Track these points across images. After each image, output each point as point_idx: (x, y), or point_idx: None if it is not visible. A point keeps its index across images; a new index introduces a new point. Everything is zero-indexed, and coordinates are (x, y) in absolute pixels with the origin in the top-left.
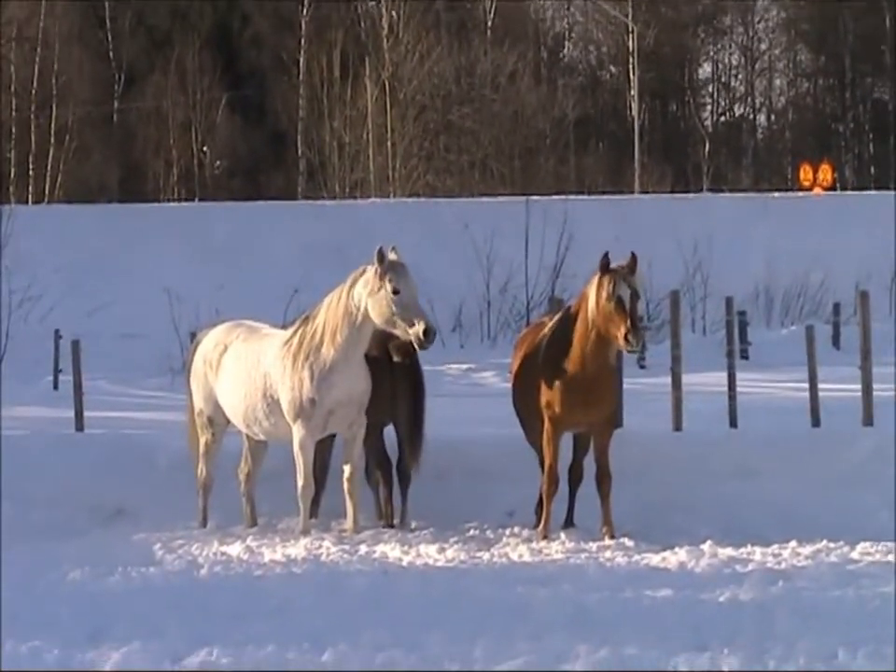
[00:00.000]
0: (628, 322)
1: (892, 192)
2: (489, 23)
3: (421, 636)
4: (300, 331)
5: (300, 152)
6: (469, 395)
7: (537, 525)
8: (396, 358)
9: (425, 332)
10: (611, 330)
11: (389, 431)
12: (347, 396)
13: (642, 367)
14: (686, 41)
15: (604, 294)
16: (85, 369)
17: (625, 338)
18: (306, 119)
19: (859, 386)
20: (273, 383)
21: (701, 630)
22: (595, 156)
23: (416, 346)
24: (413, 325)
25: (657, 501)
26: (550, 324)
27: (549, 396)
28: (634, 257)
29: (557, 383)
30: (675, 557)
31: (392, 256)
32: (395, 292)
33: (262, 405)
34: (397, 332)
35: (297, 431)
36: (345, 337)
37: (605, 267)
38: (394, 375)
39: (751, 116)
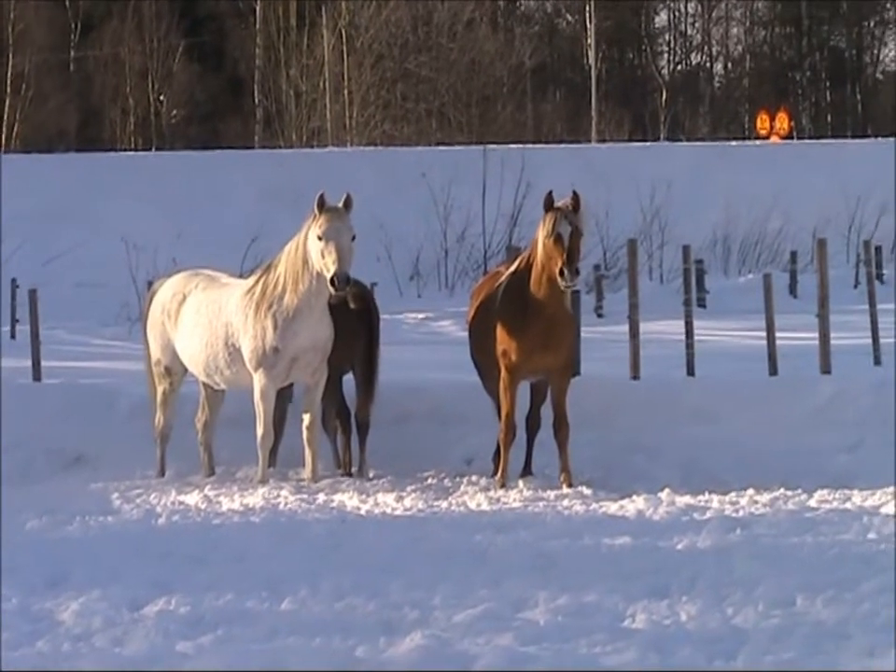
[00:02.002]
0: (564, 257)
1: (849, 140)
2: None
3: (380, 583)
4: (262, 280)
5: (256, 101)
6: (427, 342)
7: (495, 474)
8: (352, 305)
9: (330, 280)
10: (551, 267)
11: (347, 380)
12: (311, 343)
13: (599, 315)
14: None
15: (545, 232)
16: (42, 318)
17: (560, 272)
18: (263, 67)
19: (816, 334)
20: (234, 331)
21: (660, 577)
22: (552, 104)
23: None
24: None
25: (615, 449)
26: (505, 272)
27: (505, 344)
28: (576, 194)
29: (513, 330)
30: (633, 505)
31: (336, 203)
32: (318, 238)
33: (224, 354)
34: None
35: (258, 380)
36: (307, 285)
37: (549, 205)
38: (351, 322)
39: (708, 64)
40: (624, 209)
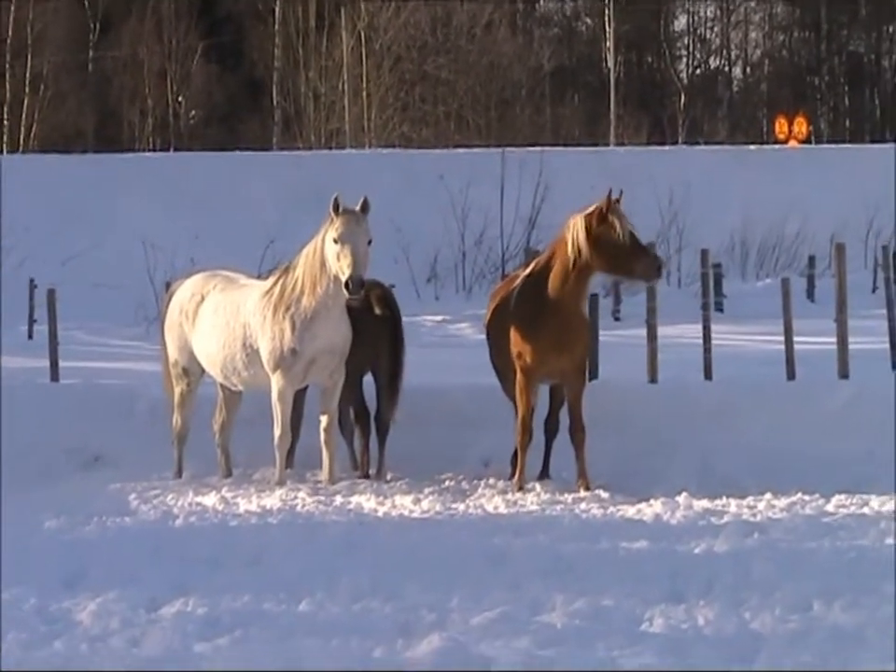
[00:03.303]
0: (653, 252)
1: (867, 145)
2: None
3: (397, 585)
4: (280, 282)
5: (275, 102)
6: (446, 346)
7: (512, 476)
8: (376, 310)
9: (345, 284)
10: (634, 266)
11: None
12: (329, 345)
13: (617, 319)
14: None
15: (616, 232)
16: (60, 318)
17: (658, 270)
18: (282, 69)
19: (834, 339)
20: (252, 333)
21: (677, 581)
22: (570, 107)
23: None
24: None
25: (632, 452)
26: (521, 275)
27: (520, 346)
28: (621, 192)
29: (528, 332)
30: (650, 509)
31: (353, 206)
32: (334, 241)
33: (241, 355)
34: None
35: (276, 381)
36: (324, 287)
37: (612, 205)
38: (374, 325)
39: (727, 68)
40: (642, 213)
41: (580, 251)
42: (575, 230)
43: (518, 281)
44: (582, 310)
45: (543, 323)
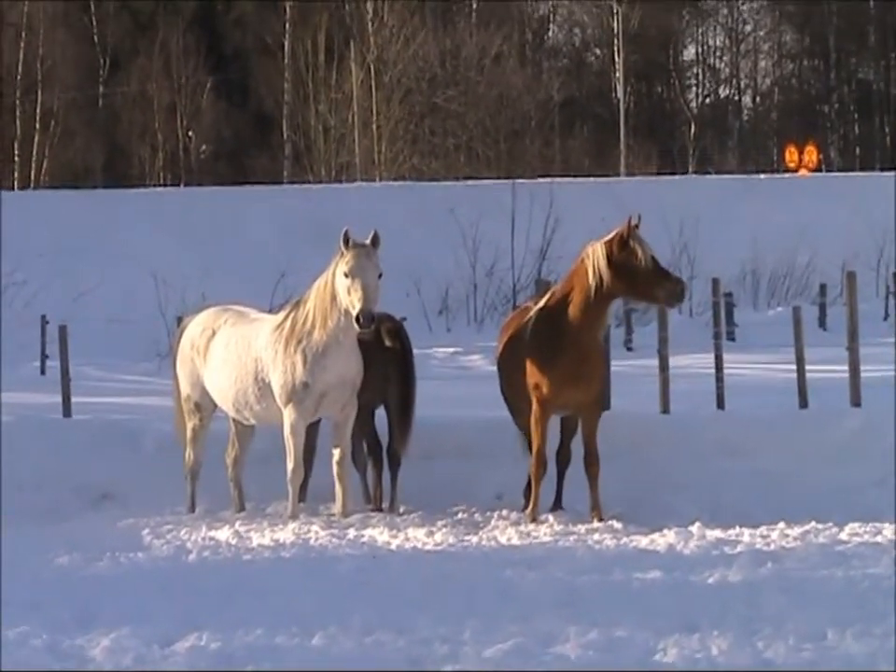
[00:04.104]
0: (675, 276)
1: (878, 173)
2: (474, 6)
3: (410, 618)
4: (291, 316)
5: (285, 136)
6: (457, 378)
7: (525, 508)
8: (388, 343)
9: (356, 318)
10: (657, 290)
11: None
12: (339, 378)
13: (629, 349)
14: (671, 23)
15: (638, 258)
16: (71, 354)
17: (681, 293)
18: (291, 102)
19: (846, 367)
20: (264, 367)
21: (690, 612)
22: (580, 138)
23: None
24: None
25: (645, 483)
26: (535, 306)
27: (536, 377)
28: (639, 218)
29: (545, 363)
30: (663, 539)
31: (363, 240)
32: (344, 275)
33: (254, 389)
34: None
35: (288, 415)
36: (335, 321)
37: (632, 230)
38: (385, 358)
39: (737, 97)
40: (653, 243)
41: (601, 278)
42: (595, 256)
43: (532, 313)
44: (600, 340)
45: (561, 354)
